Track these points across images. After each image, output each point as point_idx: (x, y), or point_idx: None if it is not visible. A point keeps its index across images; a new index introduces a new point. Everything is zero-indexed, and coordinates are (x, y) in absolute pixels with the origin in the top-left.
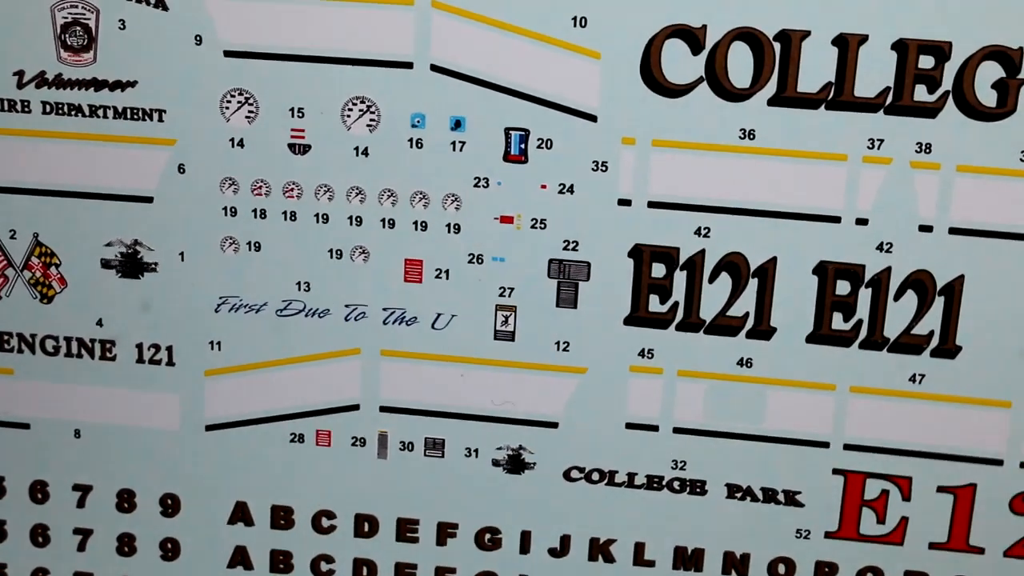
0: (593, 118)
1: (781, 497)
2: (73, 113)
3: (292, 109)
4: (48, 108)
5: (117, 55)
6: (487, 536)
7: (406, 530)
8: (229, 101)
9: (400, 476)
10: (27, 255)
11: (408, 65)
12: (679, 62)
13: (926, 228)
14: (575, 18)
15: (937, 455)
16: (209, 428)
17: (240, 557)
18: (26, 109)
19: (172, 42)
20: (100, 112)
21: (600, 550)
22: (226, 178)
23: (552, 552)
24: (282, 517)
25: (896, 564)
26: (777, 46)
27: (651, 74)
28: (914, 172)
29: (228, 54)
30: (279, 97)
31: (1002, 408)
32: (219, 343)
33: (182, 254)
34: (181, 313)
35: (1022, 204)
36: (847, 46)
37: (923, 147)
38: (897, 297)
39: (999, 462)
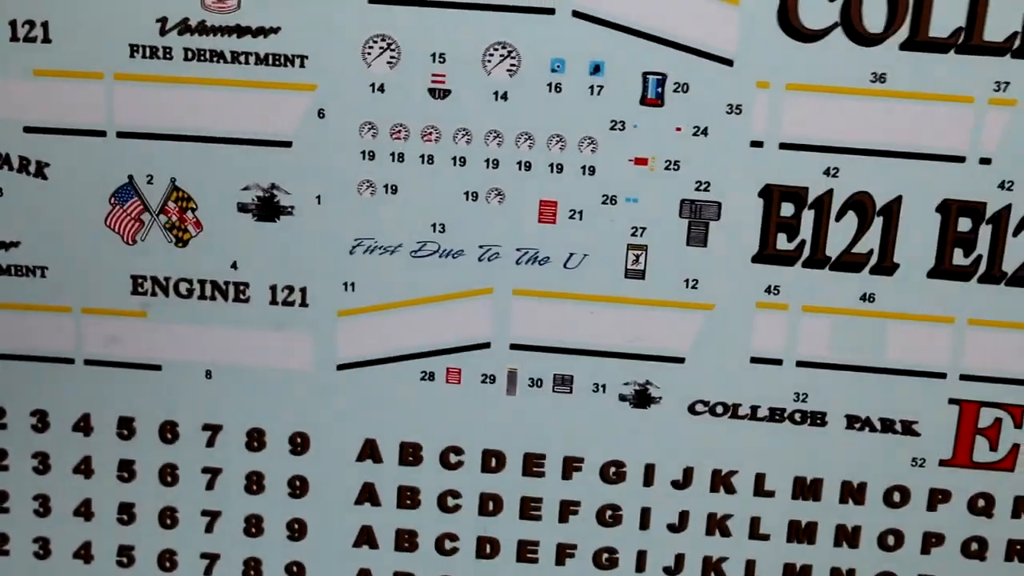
0: (729, 62)
1: (898, 427)
2: (215, 59)
3: (434, 54)
4: (190, 55)
5: (261, 1)
6: (612, 469)
7: (532, 465)
8: (371, 47)
9: (528, 412)
10: (164, 199)
11: (550, 11)
12: (815, 8)
13: None
14: None
15: None
16: (341, 367)
17: (368, 493)
18: (167, 56)
19: None
20: (242, 58)
21: (722, 481)
22: (366, 122)
23: (675, 484)
24: (410, 454)
25: (1007, 490)
26: None
27: (788, 19)
28: None
29: (372, 0)
30: (421, 43)
31: None
32: (353, 284)
33: (319, 197)
34: (316, 255)
35: None
36: None
37: None
38: (1016, 233)
39: None
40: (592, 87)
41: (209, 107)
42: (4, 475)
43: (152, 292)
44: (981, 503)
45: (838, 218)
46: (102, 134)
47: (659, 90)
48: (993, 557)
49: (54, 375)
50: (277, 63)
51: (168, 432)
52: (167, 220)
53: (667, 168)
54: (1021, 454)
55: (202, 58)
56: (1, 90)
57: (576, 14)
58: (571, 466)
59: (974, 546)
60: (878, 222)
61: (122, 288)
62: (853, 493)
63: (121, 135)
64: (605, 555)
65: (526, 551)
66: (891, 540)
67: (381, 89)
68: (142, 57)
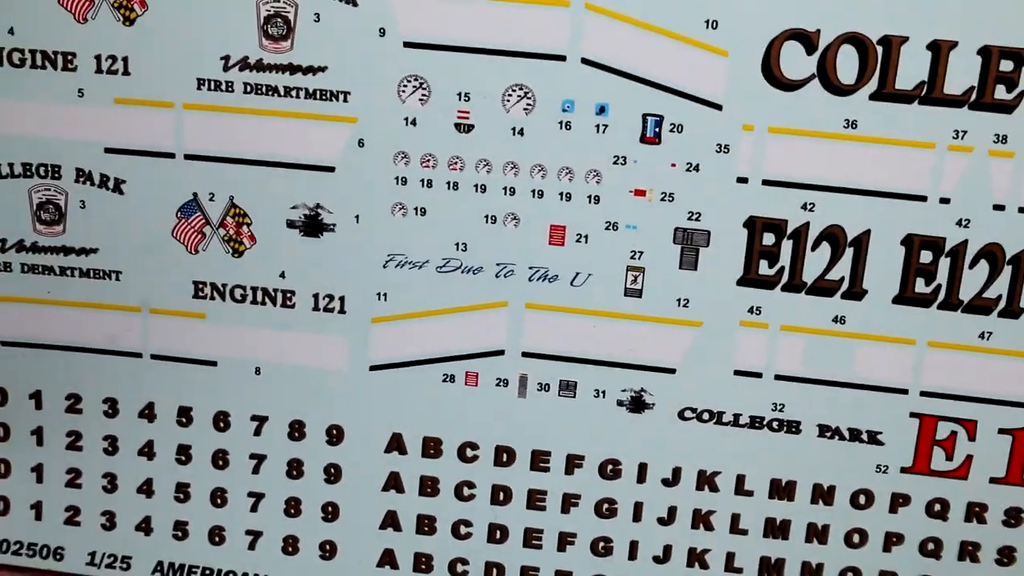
0: (719, 107)
1: (865, 437)
2: (270, 93)
3: (460, 93)
4: (248, 88)
5: (311, 44)
6: (609, 467)
7: (539, 461)
8: (406, 86)
9: (536, 413)
10: (223, 215)
11: (562, 58)
12: (795, 61)
13: (999, 207)
14: (708, 21)
15: (1000, 401)
16: (373, 368)
17: (393, 482)
18: (229, 89)
19: (359, 33)
20: (293, 93)
21: (706, 481)
22: (399, 152)
23: (664, 482)
24: (432, 447)
25: (961, 496)
26: (880, 49)
27: (770, 70)
28: (991, 160)
29: (407, 45)
30: (449, 83)
31: None
32: (385, 294)
33: (357, 217)
34: (354, 268)
35: None
36: (939, 51)
37: (1000, 138)
38: (972, 266)
39: None
40: (598, 126)
41: (264, 135)
42: (78, 455)
43: (211, 296)
44: (937, 507)
45: (814, 248)
46: (171, 156)
47: (657, 130)
48: (947, 556)
49: (124, 368)
50: (323, 98)
51: (221, 421)
52: (225, 233)
53: (663, 199)
54: (974, 464)
55: (259, 92)
56: (86, 116)
57: (585, 61)
58: (573, 463)
59: (930, 546)
60: (849, 252)
61: (185, 292)
62: (823, 495)
63: (188, 157)
64: (601, 544)
65: (532, 538)
66: (856, 538)
67: (414, 123)
68: (207, 90)
